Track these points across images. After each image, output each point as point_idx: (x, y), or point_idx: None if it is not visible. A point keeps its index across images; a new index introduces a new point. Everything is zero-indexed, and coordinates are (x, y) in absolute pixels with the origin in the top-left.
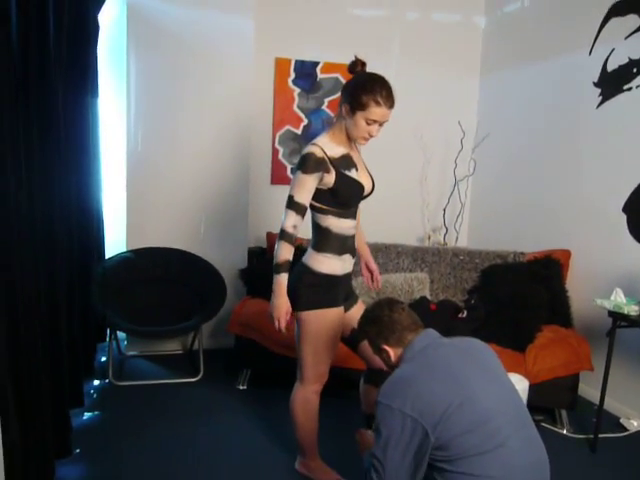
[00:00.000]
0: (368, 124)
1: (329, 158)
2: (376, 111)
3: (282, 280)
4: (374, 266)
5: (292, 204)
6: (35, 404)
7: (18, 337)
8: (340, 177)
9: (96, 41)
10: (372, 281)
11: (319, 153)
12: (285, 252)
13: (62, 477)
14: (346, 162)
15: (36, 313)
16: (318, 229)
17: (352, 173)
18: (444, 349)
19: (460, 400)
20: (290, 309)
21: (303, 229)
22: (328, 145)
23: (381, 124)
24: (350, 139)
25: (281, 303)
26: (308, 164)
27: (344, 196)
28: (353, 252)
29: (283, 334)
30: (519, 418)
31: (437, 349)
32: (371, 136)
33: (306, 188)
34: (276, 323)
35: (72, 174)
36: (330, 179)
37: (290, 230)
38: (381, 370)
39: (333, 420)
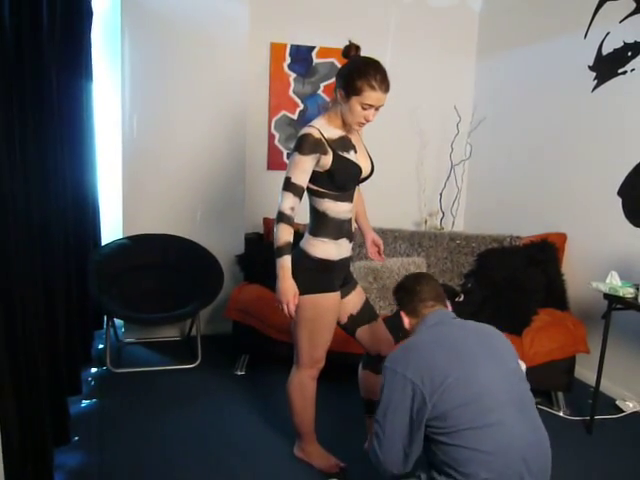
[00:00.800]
0: (364, 109)
1: (326, 140)
2: (371, 95)
3: (285, 263)
4: (380, 241)
5: (289, 186)
6: (33, 392)
7: (15, 326)
8: (337, 159)
9: (90, 26)
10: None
11: (316, 134)
12: (285, 234)
13: (61, 465)
14: (344, 144)
15: (33, 301)
16: (315, 213)
17: (350, 155)
18: (455, 328)
19: (459, 374)
20: (297, 291)
21: (301, 214)
22: (325, 127)
23: (377, 108)
24: (346, 124)
25: (287, 286)
26: (305, 145)
27: (341, 178)
28: (350, 236)
29: (281, 318)
30: (520, 401)
31: (448, 326)
32: (367, 121)
33: (303, 169)
34: (285, 308)
35: (67, 159)
36: (327, 161)
37: (288, 212)
38: (379, 355)
39: (332, 405)
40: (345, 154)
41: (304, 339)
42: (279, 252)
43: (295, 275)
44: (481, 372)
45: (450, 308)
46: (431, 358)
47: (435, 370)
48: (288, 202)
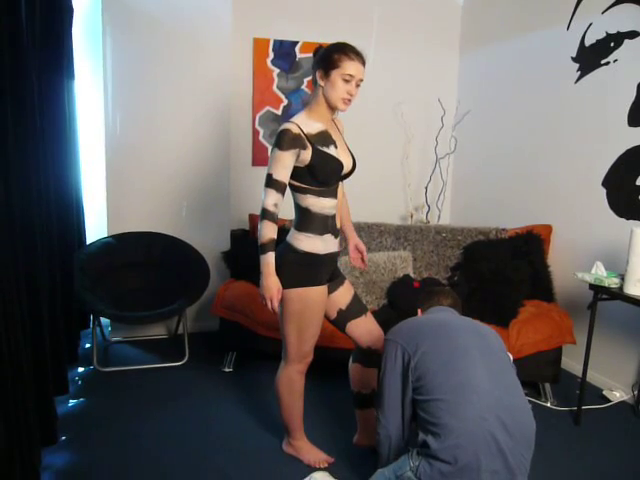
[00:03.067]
0: (345, 81)
1: (305, 135)
2: (350, 65)
3: (269, 259)
4: (363, 247)
5: (271, 182)
6: (18, 392)
7: None
8: (317, 153)
9: (70, 24)
10: (362, 261)
11: (295, 129)
12: (269, 231)
13: (48, 465)
14: (323, 138)
15: (17, 302)
16: (298, 209)
17: (330, 150)
18: (454, 317)
19: (438, 340)
20: (281, 288)
21: (286, 210)
22: (305, 122)
23: (358, 84)
24: (331, 109)
25: (271, 283)
26: (284, 140)
27: (322, 173)
28: (335, 232)
29: (268, 315)
30: (498, 368)
31: (445, 314)
32: (350, 96)
33: (284, 165)
34: (268, 303)
35: (49, 158)
36: (307, 156)
37: (271, 209)
38: (369, 349)
39: (320, 400)
40: (325, 149)
41: (292, 333)
42: (263, 249)
43: (282, 269)
44: (460, 340)
45: None
46: (418, 327)
47: (419, 336)
48: (271, 199)
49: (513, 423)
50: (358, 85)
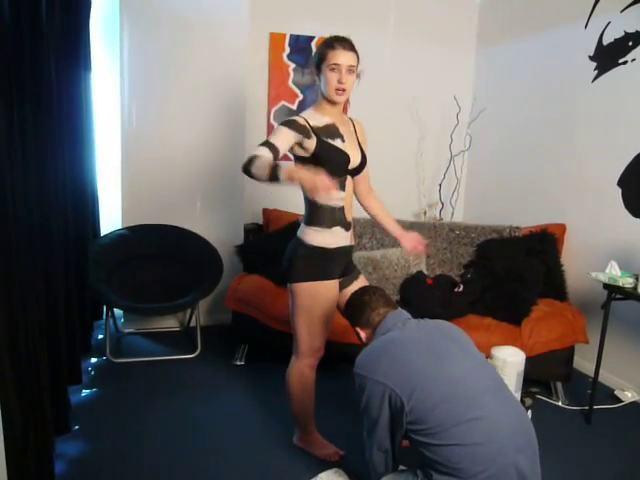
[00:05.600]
0: (333, 70)
1: (311, 127)
2: (335, 54)
3: (287, 167)
4: (416, 236)
5: (265, 142)
6: (34, 382)
7: (15, 316)
8: (321, 144)
9: (88, 16)
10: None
11: (301, 121)
12: (265, 160)
13: (62, 453)
14: (330, 131)
15: (33, 292)
16: (307, 202)
17: (336, 142)
18: (416, 326)
19: (434, 372)
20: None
21: (297, 204)
22: (312, 116)
23: (351, 70)
24: (331, 103)
25: (306, 178)
26: (290, 123)
27: (327, 163)
28: (345, 225)
29: (280, 308)
30: (496, 387)
31: (407, 325)
32: (341, 84)
33: (284, 138)
34: (318, 186)
35: (66, 151)
36: (311, 145)
37: (260, 153)
38: None
39: (331, 394)
40: (330, 141)
41: (302, 328)
42: (275, 172)
43: (292, 263)
44: (455, 366)
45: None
46: (402, 358)
47: (408, 370)
48: (261, 152)
49: (523, 439)
50: (351, 72)
